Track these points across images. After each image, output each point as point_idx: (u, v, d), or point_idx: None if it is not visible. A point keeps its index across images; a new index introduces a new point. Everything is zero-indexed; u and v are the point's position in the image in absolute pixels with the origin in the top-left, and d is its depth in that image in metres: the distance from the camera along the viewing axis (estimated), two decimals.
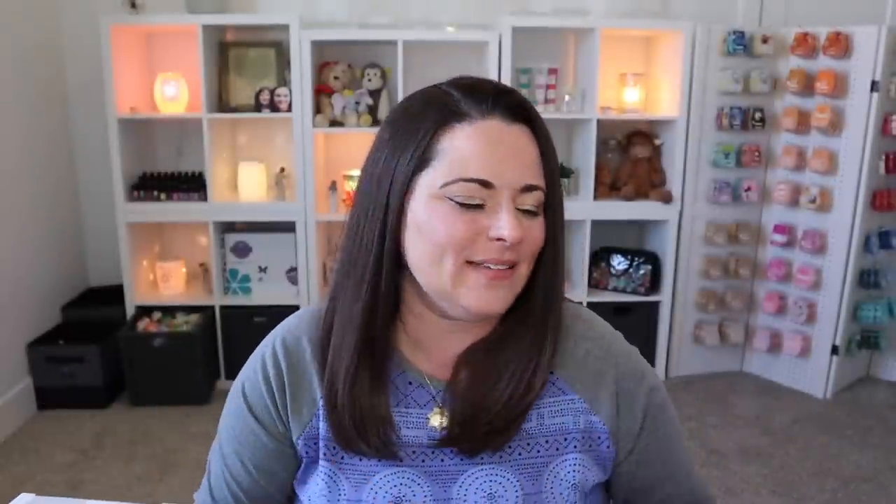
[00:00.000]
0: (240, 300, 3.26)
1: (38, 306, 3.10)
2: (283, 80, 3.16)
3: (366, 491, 0.81)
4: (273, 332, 0.89)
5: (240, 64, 3.19)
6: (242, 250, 3.26)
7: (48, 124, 3.22)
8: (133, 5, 3.06)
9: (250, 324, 3.22)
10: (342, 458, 0.82)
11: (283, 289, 3.28)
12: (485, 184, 0.72)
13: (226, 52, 3.18)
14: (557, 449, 0.81)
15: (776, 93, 3.26)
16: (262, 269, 3.28)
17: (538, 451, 0.81)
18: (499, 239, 0.73)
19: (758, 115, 3.24)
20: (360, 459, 0.81)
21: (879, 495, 2.53)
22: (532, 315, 0.80)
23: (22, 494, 0.68)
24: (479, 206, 0.73)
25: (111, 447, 2.78)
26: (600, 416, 0.82)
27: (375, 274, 0.77)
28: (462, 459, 0.81)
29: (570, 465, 0.81)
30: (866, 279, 3.20)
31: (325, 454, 0.82)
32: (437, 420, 0.81)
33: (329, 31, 3.13)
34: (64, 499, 0.67)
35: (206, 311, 3.21)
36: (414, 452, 0.81)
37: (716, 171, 3.30)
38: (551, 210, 0.78)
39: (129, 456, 2.71)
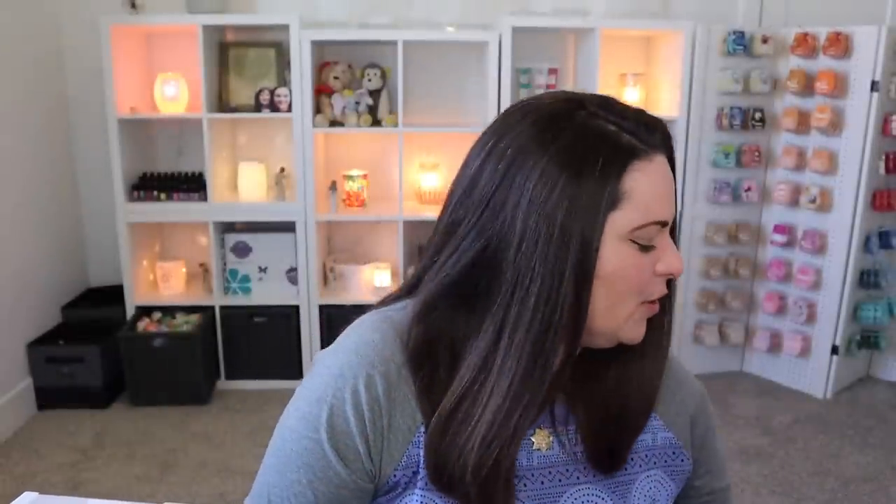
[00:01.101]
0: (240, 300, 3.26)
1: (38, 306, 3.10)
2: (283, 80, 3.16)
3: None
4: (357, 353, 0.76)
5: (240, 64, 3.19)
6: (242, 250, 3.26)
7: (48, 124, 3.22)
8: (133, 5, 3.06)
9: (250, 324, 3.23)
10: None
11: (282, 289, 3.28)
12: (664, 224, 0.72)
13: (226, 52, 3.18)
14: (641, 466, 0.82)
15: (776, 93, 3.27)
16: (262, 269, 3.28)
17: (626, 469, 0.81)
18: (667, 273, 0.74)
19: (758, 115, 3.24)
20: None
21: (879, 495, 2.53)
22: (660, 332, 0.81)
23: (25, 493, 0.68)
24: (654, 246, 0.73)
25: (111, 447, 2.78)
26: (673, 432, 0.85)
27: (570, 327, 0.71)
28: (560, 481, 0.79)
29: (650, 481, 0.82)
30: (866, 279, 3.20)
31: (427, 483, 0.74)
32: (543, 441, 0.79)
33: (329, 31, 3.13)
34: (67, 498, 0.67)
35: (206, 311, 3.21)
36: (516, 477, 0.78)
37: (716, 171, 3.30)
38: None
39: (129, 456, 2.71)
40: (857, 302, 3.24)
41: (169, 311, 3.23)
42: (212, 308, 3.23)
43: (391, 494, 0.77)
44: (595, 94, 0.74)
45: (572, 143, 0.69)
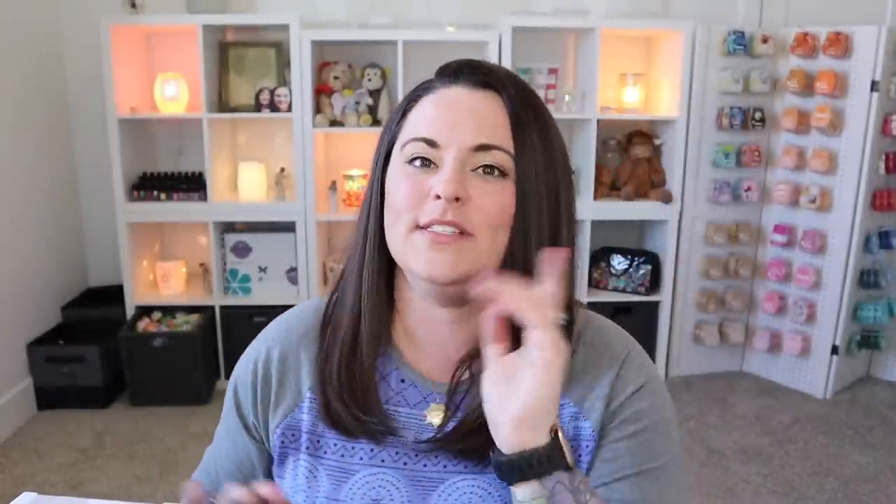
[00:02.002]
0: (240, 300, 3.26)
1: (38, 306, 3.10)
2: (283, 80, 3.16)
3: (344, 490, 0.79)
4: (272, 323, 0.89)
5: (240, 64, 3.19)
6: (242, 250, 3.26)
7: (48, 124, 3.22)
8: (133, 5, 3.06)
9: (250, 324, 3.22)
10: (325, 453, 0.81)
11: (283, 289, 3.28)
12: (430, 142, 0.73)
13: (226, 52, 3.18)
14: None
15: (776, 93, 3.26)
16: (262, 269, 3.28)
17: None
18: (437, 197, 0.71)
19: (758, 115, 3.24)
20: (342, 455, 0.80)
21: (879, 495, 2.53)
22: None
23: (24, 493, 0.68)
24: (432, 168, 0.74)
25: (111, 447, 2.78)
26: (590, 420, 0.77)
27: (365, 252, 0.80)
28: (445, 467, 0.78)
29: None
30: (866, 279, 3.20)
31: (307, 448, 0.81)
32: (436, 418, 0.79)
33: (329, 31, 3.13)
34: (66, 498, 0.67)
35: (206, 311, 3.21)
36: (397, 454, 0.79)
37: (716, 171, 3.30)
38: (522, 176, 0.73)
39: (129, 456, 2.71)
40: (857, 302, 3.24)
41: (169, 311, 3.23)
42: (212, 308, 3.23)
43: (278, 462, 0.84)
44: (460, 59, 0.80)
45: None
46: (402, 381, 0.81)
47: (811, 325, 3.28)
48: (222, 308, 3.23)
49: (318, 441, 0.81)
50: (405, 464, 0.79)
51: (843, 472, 2.66)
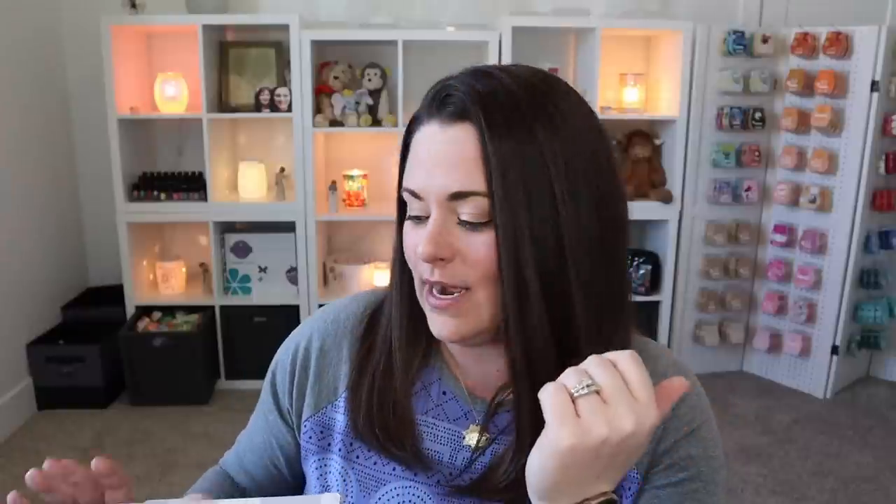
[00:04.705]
0: (240, 300, 3.26)
1: (38, 306, 3.10)
2: (283, 80, 3.16)
3: (373, 499, 0.77)
4: (322, 310, 0.87)
5: (240, 64, 3.19)
6: (242, 250, 3.26)
7: (48, 124, 3.22)
8: (133, 5, 3.05)
9: (250, 324, 3.22)
10: (357, 458, 0.78)
11: (283, 289, 3.28)
12: (414, 194, 0.68)
13: (226, 52, 3.18)
14: None
15: (776, 93, 3.26)
16: (262, 269, 3.28)
17: None
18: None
19: (758, 115, 3.24)
20: (375, 463, 0.77)
21: (879, 495, 2.53)
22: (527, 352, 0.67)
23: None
24: (423, 221, 0.69)
25: (111, 447, 2.78)
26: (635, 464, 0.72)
27: (393, 291, 0.77)
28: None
29: None
30: (866, 279, 3.20)
31: (340, 449, 0.79)
32: (473, 438, 0.74)
33: (329, 31, 3.13)
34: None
35: (206, 311, 3.21)
36: (432, 470, 0.76)
37: (716, 171, 3.30)
38: (503, 220, 0.64)
39: (129, 456, 2.71)
40: (857, 302, 3.24)
41: (169, 311, 3.23)
42: (212, 308, 3.23)
43: (304, 456, 0.82)
44: (466, 68, 0.73)
45: None
46: (444, 392, 0.78)
47: (811, 325, 3.28)
48: (222, 308, 3.23)
49: (352, 444, 0.78)
50: (438, 481, 0.75)
51: (843, 472, 2.66)
